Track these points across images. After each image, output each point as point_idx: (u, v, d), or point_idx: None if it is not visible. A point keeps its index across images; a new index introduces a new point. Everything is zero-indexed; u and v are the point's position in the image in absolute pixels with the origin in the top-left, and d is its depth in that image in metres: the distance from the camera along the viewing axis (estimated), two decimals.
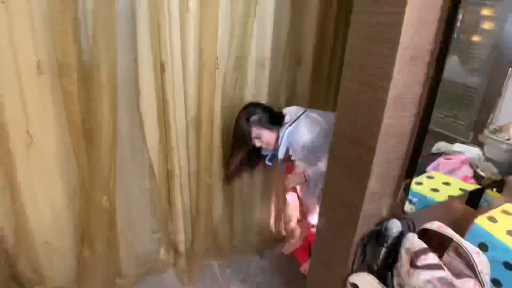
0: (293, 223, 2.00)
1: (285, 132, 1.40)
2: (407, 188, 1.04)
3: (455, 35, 1.91)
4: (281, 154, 1.43)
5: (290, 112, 1.45)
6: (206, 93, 1.37)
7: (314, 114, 1.41)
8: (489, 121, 2.08)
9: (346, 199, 1.04)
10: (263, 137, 1.43)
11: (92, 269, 1.41)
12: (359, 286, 1.03)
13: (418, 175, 1.12)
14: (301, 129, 1.37)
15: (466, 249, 0.97)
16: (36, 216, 1.34)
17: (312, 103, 1.70)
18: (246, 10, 1.36)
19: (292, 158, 1.42)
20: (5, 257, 1.39)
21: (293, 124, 1.39)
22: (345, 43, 0.93)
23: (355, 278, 1.06)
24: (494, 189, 1.42)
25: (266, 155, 1.55)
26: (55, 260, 1.45)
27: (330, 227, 1.14)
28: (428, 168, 1.44)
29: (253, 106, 1.45)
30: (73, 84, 1.16)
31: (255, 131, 1.42)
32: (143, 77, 1.31)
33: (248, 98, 1.56)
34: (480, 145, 1.96)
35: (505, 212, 1.25)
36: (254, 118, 1.41)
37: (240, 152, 1.49)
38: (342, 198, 1.06)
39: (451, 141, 1.67)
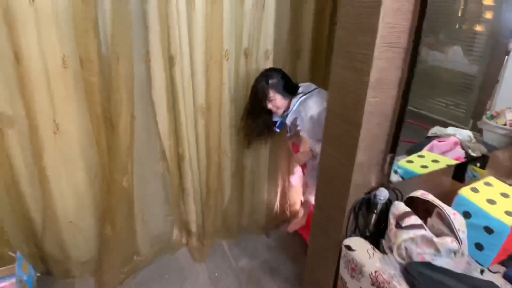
0: (297, 204, 2.17)
1: (297, 101, 1.56)
2: (391, 161, 1.19)
3: (457, 26, 2.07)
4: (288, 121, 1.60)
5: (304, 86, 1.61)
6: (214, 82, 1.54)
7: (324, 92, 1.58)
8: (487, 107, 2.23)
9: (338, 171, 1.20)
10: (275, 101, 1.58)
11: (112, 246, 1.60)
12: (352, 247, 1.19)
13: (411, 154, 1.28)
14: (311, 101, 1.52)
15: (444, 210, 1.13)
16: (61, 198, 1.53)
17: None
18: (256, 6, 1.53)
19: (299, 128, 1.58)
20: (33, 236, 1.58)
21: (306, 96, 1.55)
22: None
23: (348, 241, 1.22)
24: (478, 164, 1.56)
25: (276, 122, 1.70)
26: (78, 239, 1.65)
27: (326, 197, 1.31)
28: (424, 150, 1.60)
29: (274, 71, 1.60)
30: (94, 76, 1.34)
31: (270, 93, 1.56)
32: (155, 70, 1.48)
33: None
34: (480, 131, 2.11)
35: (487, 183, 1.40)
36: (272, 81, 1.55)
37: (255, 113, 1.64)
38: (335, 171, 1.22)
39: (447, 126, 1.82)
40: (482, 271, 1.23)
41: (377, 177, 1.22)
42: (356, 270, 1.17)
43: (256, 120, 1.66)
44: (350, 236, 1.26)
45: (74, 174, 1.51)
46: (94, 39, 1.29)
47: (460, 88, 2.11)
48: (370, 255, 1.16)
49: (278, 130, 1.73)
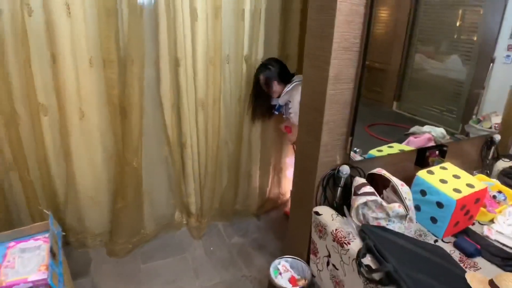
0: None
1: (291, 85, 1.93)
2: (351, 143, 1.54)
3: (455, 36, 2.46)
4: (282, 101, 2.00)
5: (298, 76, 1.96)
6: (213, 81, 1.92)
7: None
8: (474, 112, 2.56)
9: (309, 151, 1.56)
10: (272, 85, 1.97)
11: (122, 218, 1.96)
12: (319, 212, 1.54)
13: None
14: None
15: (393, 182, 1.47)
16: (81, 176, 1.91)
17: None
18: (253, 21, 1.95)
19: (290, 110, 1.97)
20: (57, 209, 1.95)
21: (298, 82, 1.91)
22: None
23: (317, 208, 1.57)
24: (437, 152, 1.89)
25: (275, 106, 2.11)
26: (94, 212, 2.02)
27: (300, 175, 1.67)
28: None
29: (273, 60, 2.00)
30: (114, 74, 1.73)
31: (268, 78, 1.95)
32: (163, 70, 1.86)
33: (249, 85, 2.10)
34: (467, 134, 2.44)
35: (443, 167, 1.73)
36: (271, 68, 1.96)
37: (257, 97, 2.06)
38: (306, 151, 1.58)
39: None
40: (435, 241, 1.56)
41: (341, 156, 1.58)
42: (322, 230, 1.51)
43: (258, 102, 2.07)
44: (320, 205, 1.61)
45: (93, 155, 1.89)
46: (114, 44, 1.69)
47: (452, 95, 2.46)
48: (333, 218, 1.51)
49: (276, 113, 2.14)
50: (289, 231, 1.85)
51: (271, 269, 1.67)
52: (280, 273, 1.69)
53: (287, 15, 2.05)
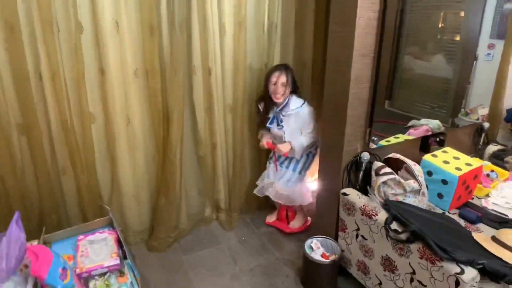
0: None
1: (299, 107, 2.23)
2: (370, 133, 1.92)
3: (439, 37, 2.90)
4: (285, 112, 2.24)
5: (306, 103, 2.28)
6: (239, 87, 2.27)
7: (306, 109, 2.26)
8: (462, 106, 2.99)
9: (335, 141, 1.92)
10: (285, 86, 2.17)
11: (165, 214, 2.26)
12: (346, 193, 1.90)
13: None
14: (295, 120, 2.25)
15: (407, 162, 1.85)
16: (124, 177, 2.20)
17: (313, 91, 2.60)
18: (270, 32, 2.32)
19: (283, 127, 2.27)
20: (101, 210, 2.24)
21: (302, 107, 2.24)
22: None
23: (344, 190, 1.93)
24: (437, 139, 2.28)
25: (269, 118, 2.31)
26: (135, 212, 2.32)
27: (327, 161, 2.03)
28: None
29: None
30: (157, 84, 2.06)
31: (285, 76, 2.16)
32: (196, 79, 2.20)
33: None
34: (457, 127, 2.85)
35: (444, 151, 2.13)
36: (290, 69, 2.22)
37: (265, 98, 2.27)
38: (332, 141, 1.94)
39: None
40: (443, 213, 1.94)
41: (361, 145, 1.95)
42: (351, 208, 1.87)
43: (266, 106, 2.27)
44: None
45: (136, 157, 2.20)
46: (157, 57, 2.02)
47: (441, 92, 2.86)
48: (359, 197, 1.87)
49: (270, 126, 2.32)
50: (317, 213, 2.21)
51: (306, 247, 2.02)
52: (313, 250, 2.04)
53: (301, 27, 2.42)
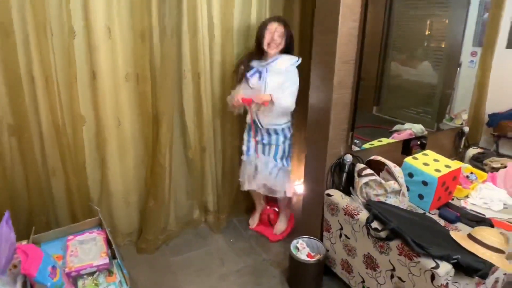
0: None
1: (291, 64, 2.18)
2: (352, 137, 2.02)
3: (425, 44, 3.03)
4: (264, 65, 2.19)
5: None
6: (228, 91, 2.35)
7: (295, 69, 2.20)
8: (447, 111, 3.12)
9: (319, 144, 2.02)
10: (281, 38, 2.14)
11: (154, 216, 2.32)
12: (330, 193, 1.99)
13: None
14: (282, 78, 2.17)
15: (388, 164, 1.95)
16: (114, 180, 2.26)
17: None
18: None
19: (266, 82, 2.18)
20: (90, 212, 2.29)
21: (292, 67, 2.18)
22: None
23: (328, 191, 2.02)
24: (419, 142, 2.39)
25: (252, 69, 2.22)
26: (124, 214, 2.37)
27: (312, 163, 2.12)
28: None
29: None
30: (148, 87, 2.14)
31: (283, 28, 2.14)
32: (186, 83, 2.28)
33: None
34: (442, 131, 2.96)
35: (424, 154, 2.23)
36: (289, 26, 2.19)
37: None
38: (317, 144, 2.03)
39: None
40: (423, 213, 2.04)
41: (344, 148, 2.05)
42: (334, 208, 1.96)
43: (252, 55, 2.22)
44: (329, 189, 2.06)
45: (125, 160, 2.26)
46: (148, 62, 2.10)
47: (426, 97, 2.98)
48: (342, 197, 1.96)
49: (250, 78, 2.20)
50: (302, 214, 2.30)
51: (292, 247, 2.09)
52: (299, 250, 2.12)
53: None
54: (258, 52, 2.22)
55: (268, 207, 2.73)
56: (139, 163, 2.31)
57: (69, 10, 1.89)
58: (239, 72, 2.29)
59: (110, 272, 1.77)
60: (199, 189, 2.57)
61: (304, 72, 2.66)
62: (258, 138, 2.34)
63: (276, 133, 2.31)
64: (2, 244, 1.52)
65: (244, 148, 2.42)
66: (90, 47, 1.99)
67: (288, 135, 2.35)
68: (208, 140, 2.44)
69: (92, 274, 1.74)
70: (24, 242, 1.81)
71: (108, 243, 1.87)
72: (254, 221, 2.69)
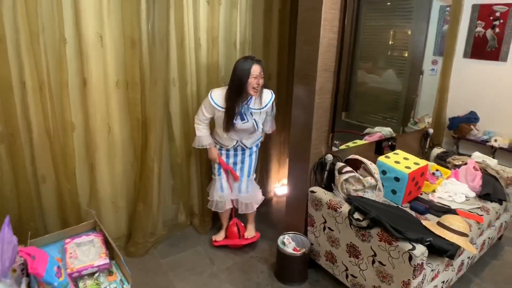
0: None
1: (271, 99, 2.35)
2: (332, 138, 2.27)
3: (389, 53, 3.36)
4: (246, 106, 2.29)
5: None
6: None
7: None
8: (412, 116, 3.45)
9: (302, 145, 2.24)
10: (262, 79, 2.22)
11: (143, 220, 2.44)
12: (314, 190, 2.21)
13: None
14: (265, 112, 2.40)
15: (365, 162, 2.21)
16: (102, 184, 2.37)
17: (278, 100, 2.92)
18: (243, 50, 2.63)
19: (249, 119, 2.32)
20: (79, 217, 2.38)
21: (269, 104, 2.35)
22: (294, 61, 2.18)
23: (312, 188, 2.24)
24: (390, 143, 2.69)
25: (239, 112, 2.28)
26: (113, 219, 2.47)
27: (295, 163, 2.34)
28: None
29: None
30: (137, 94, 2.28)
31: (261, 70, 2.20)
32: (173, 89, 2.44)
33: None
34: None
35: (395, 153, 2.52)
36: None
37: (237, 93, 2.21)
38: (300, 145, 2.26)
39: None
40: (397, 206, 2.31)
41: (325, 148, 2.29)
42: (318, 204, 2.19)
43: (235, 101, 2.22)
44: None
45: (114, 165, 2.38)
46: (138, 69, 2.25)
47: (392, 103, 3.29)
48: (325, 194, 2.19)
49: (235, 122, 2.27)
50: (287, 212, 2.51)
51: (279, 242, 2.29)
52: (285, 245, 2.32)
53: (268, 45, 2.78)
54: (238, 93, 2.24)
55: (232, 219, 2.71)
56: (128, 168, 2.44)
57: (61, 18, 2.00)
58: (225, 118, 2.29)
59: (110, 272, 1.89)
60: (185, 192, 2.72)
61: (284, 78, 2.92)
62: (231, 161, 2.51)
63: (256, 145, 2.56)
64: (5, 246, 1.61)
65: (215, 187, 2.53)
66: (81, 55, 2.11)
67: (255, 154, 2.58)
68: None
69: (92, 274, 1.85)
70: (20, 247, 1.89)
71: (106, 244, 1.98)
72: (219, 236, 2.68)
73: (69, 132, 2.19)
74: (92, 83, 2.17)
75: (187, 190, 2.72)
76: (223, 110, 2.28)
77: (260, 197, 2.64)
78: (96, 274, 1.85)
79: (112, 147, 2.34)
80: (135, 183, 2.49)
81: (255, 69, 2.19)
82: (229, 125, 2.30)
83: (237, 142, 2.44)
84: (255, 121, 2.35)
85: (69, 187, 2.26)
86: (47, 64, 2.03)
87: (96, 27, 2.11)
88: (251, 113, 2.33)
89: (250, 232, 2.68)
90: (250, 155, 2.53)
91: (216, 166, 2.51)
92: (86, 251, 1.94)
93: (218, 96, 2.28)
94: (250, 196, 2.58)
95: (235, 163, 2.52)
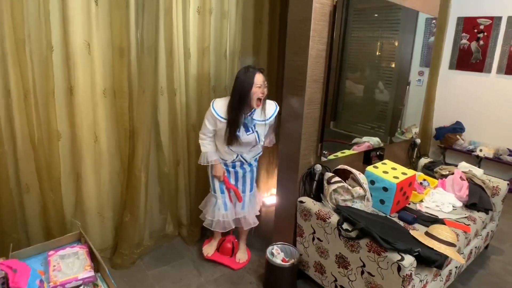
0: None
1: (276, 110, 2.30)
2: (321, 148, 2.28)
3: (376, 64, 3.42)
4: (250, 118, 2.23)
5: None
6: (203, 108, 2.53)
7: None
8: (399, 126, 3.49)
9: (291, 155, 2.25)
10: (266, 88, 2.17)
11: (130, 231, 2.40)
12: (303, 200, 2.21)
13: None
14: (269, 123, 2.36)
15: (354, 172, 2.22)
16: (89, 193, 2.33)
17: None
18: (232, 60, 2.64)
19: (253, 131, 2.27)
20: (64, 228, 2.33)
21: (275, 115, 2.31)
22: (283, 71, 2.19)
23: (301, 198, 2.24)
24: (378, 153, 2.72)
25: (243, 123, 2.21)
26: (98, 230, 2.43)
27: (284, 173, 2.34)
28: None
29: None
30: (125, 103, 2.26)
31: (263, 79, 2.15)
32: (161, 98, 2.43)
33: None
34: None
35: (383, 163, 2.54)
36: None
37: (240, 105, 2.15)
38: (289, 155, 2.27)
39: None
40: (385, 216, 2.32)
41: (314, 159, 2.30)
42: (307, 214, 2.19)
43: (238, 112, 2.16)
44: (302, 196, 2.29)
45: (100, 175, 2.34)
46: (126, 78, 2.23)
47: (379, 113, 3.33)
48: (314, 204, 2.19)
49: (246, 134, 2.22)
50: (276, 222, 2.50)
51: (267, 253, 2.28)
52: (274, 256, 2.31)
53: (258, 55, 2.81)
54: (242, 104, 2.16)
55: (229, 235, 2.67)
56: (114, 178, 2.40)
57: (48, 25, 1.98)
58: (227, 130, 2.22)
59: (95, 285, 1.85)
60: (173, 203, 2.69)
61: (273, 89, 2.93)
62: (232, 178, 2.45)
63: (255, 159, 2.50)
64: None
65: (217, 205, 2.44)
66: (68, 62, 2.09)
67: (255, 167, 2.52)
68: (182, 153, 2.59)
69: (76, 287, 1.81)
70: (0, 260, 1.84)
71: (91, 256, 1.94)
72: (211, 250, 2.62)
73: (55, 141, 2.16)
74: (79, 91, 2.14)
75: (175, 200, 2.70)
76: (225, 121, 2.21)
77: (257, 208, 2.59)
78: None
79: (99, 156, 2.31)
80: (121, 193, 2.45)
81: (259, 78, 2.14)
82: (232, 137, 2.21)
83: (237, 156, 2.37)
84: (257, 133, 2.29)
85: (54, 197, 2.21)
86: (33, 72, 2.00)
87: (84, 34, 2.10)
88: (254, 125, 2.27)
89: (243, 255, 2.62)
90: (251, 170, 2.47)
91: (217, 183, 2.42)
92: (70, 264, 1.89)
93: (220, 106, 2.22)
94: (248, 210, 2.51)
95: (236, 180, 2.46)
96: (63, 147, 2.22)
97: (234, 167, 2.42)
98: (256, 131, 2.28)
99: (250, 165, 2.46)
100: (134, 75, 2.27)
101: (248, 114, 2.23)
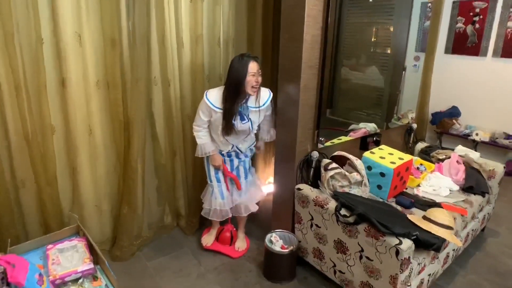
0: None
1: (269, 98, 2.28)
2: (318, 135, 2.27)
3: (372, 49, 3.41)
4: (245, 106, 2.22)
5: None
6: (198, 97, 2.51)
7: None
8: (395, 111, 3.49)
9: (288, 143, 2.24)
10: (260, 77, 2.15)
11: (128, 223, 2.40)
12: (300, 187, 2.21)
13: None
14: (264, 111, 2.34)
15: (351, 158, 2.22)
16: (86, 186, 2.32)
17: None
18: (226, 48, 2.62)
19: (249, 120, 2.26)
20: (61, 221, 2.33)
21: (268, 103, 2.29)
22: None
23: (298, 185, 2.24)
24: (374, 138, 2.71)
25: (239, 112, 2.20)
26: (96, 223, 2.42)
27: (282, 161, 2.34)
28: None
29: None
30: (119, 94, 2.24)
31: (258, 67, 2.14)
32: (155, 89, 2.41)
33: None
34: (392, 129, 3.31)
35: (380, 149, 2.54)
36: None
37: (235, 93, 2.13)
38: (286, 143, 2.26)
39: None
40: (383, 201, 2.33)
41: (311, 146, 2.29)
42: (305, 201, 2.19)
43: (233, 101, 2.14)
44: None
45: (97, 168, 2.33)
46: (119, 69, 2.21)
47: (375, 99, 3.32)
48: (311, 191, 2.20)
49: (241, 123, 2.20)
50: (274, 210, 2.51)
51: (266, 241, 2.29)
52: (273, 243, 2.32)
53: (252, 42, 2.78)
54: (236, 93, 2.15)
55: (227, 224, 2.67)
56: (111, 170, 2.39)
57: (37, 17, 1.95)
58: (223, 120, 2.20)
59: (95, 277, 1.85)
60: (171, 194, 2.69)
61: (268, 76, 2.91)
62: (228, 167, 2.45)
63: (251, 150, 2.49)
64: None
65: (214, 193, 2.43)
66: (59, 55, 2.06)
67: (252, 153, 2.54)
68: (179, 144, 2.58)
69: (76, 281, 1.81)
70: None
71: (90, 249, 1.94)
72: (210, 239, 2.62)
73: (49, 135, 2.14)
74: (72, 84, 2.12)
75: (172, 191, 2.70)
76: (221, 111, 2.19)
77: (259, 195, 2.58)
78: (80, 280, 1.81)
79: (94, 149, 2.29)
80: (118, 185, 2.44)
81: (253, 67, 2.12)
82: (228, 126, 2.20)
83: (232, 147, 2.37)
84: (251, 121, 2.27)
85: (50, 191, 2.20)
86: (23, 65, 1.96)
87: (74, 26, 2.06)
88: (248, 114, 2.26)
89: (242, 244, 2.62)
90: (245, 160, 2.46)
91: (213, 172, 2.42)
92: (69, 257, 1.89)
93: (214, 96, 2.20)
94: (250, 197, 2.52)
95: (232, 169, 2.45)
96: (58, 140, 2.21)
97: (230, 156, 2.42)
98: (250, 119, 2.26)
99: (246, 155, 2.46)
100: (127, 66, 2.24)
101: (243, 102, 2.22)
